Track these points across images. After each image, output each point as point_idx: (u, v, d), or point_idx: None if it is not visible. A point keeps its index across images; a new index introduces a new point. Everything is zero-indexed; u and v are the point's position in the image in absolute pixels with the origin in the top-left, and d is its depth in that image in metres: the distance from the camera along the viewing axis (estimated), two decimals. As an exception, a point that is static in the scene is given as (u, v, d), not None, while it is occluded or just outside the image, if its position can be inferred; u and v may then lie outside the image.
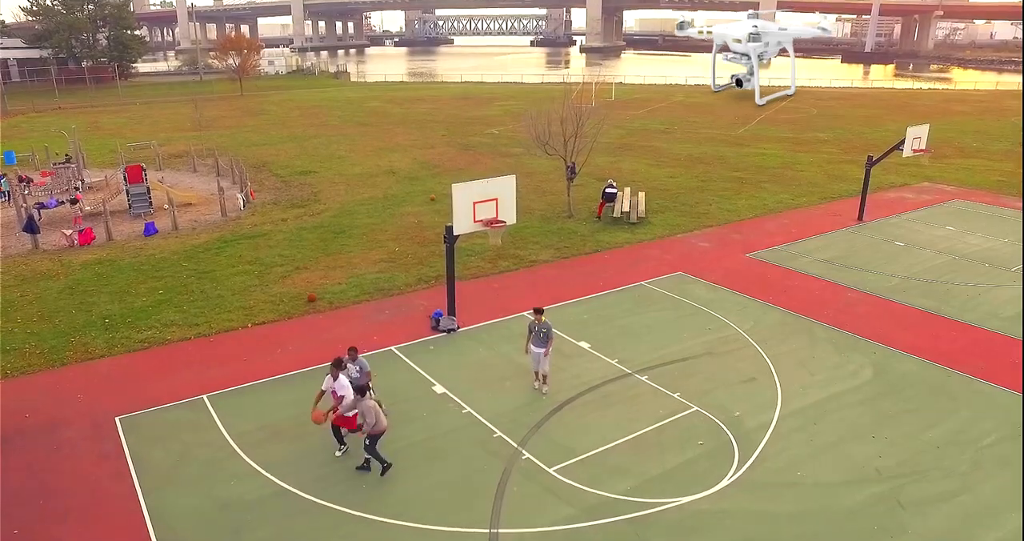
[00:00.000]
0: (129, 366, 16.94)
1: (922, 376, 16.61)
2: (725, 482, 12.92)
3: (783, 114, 60.16)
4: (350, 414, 12.91)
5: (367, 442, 12.82)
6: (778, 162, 40.87)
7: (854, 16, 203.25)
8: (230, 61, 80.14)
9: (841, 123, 55.84)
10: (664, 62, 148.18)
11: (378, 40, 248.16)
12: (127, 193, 29.84)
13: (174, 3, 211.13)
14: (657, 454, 13.73)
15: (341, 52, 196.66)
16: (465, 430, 14.51)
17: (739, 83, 29.22)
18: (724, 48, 28.70)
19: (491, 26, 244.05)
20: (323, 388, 13.37)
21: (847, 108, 64.43)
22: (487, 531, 11.71)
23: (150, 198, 30.14)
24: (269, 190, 34.58)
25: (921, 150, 27.79)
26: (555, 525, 11.86)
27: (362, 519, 11.96)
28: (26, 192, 30.47)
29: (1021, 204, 31.50)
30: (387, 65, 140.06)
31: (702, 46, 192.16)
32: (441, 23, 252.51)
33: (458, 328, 19.01)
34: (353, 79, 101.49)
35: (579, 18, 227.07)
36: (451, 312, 19.26)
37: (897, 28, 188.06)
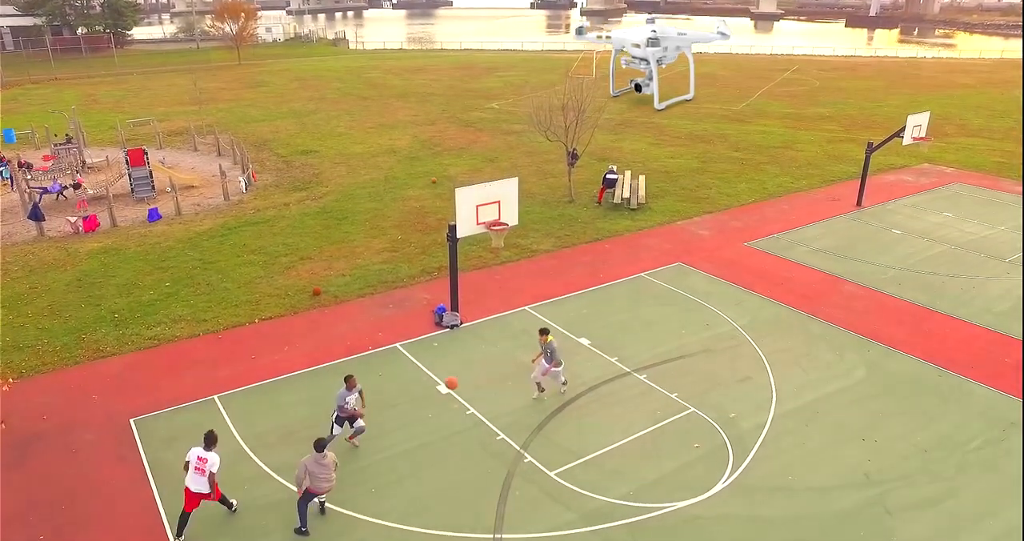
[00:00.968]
0: (140, 365, 17.36)
1: (913, 376, 17.06)
2: (719, 486, 13.44)
3: (785, 87, 59.78)
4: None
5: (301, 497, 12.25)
6: (779, 141, 40.87)
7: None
8: (227, 28, 79.14)
9: (844, 96, 55.57)
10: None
11: (376, 2, 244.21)
12: (129, 177, 29.98)
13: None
14: (654, 457, 14.23)
15: (339, 15, 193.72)
16: (469, 432, 14.99)
17: (638, 88, 29.46)
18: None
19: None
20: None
21: (850, 80, 64.02)
22: (491, 537, 12.24)
23: (152, 181, 30.30)
24: (271, 171, 34.67)
25: (921, 138, 27.89)
26: (556, 530, 12.39)
27: (372, 524, 12.49)
28: (28, 177, 30.57)
29: (1021, 189, 31.68)
30: (386, 30, 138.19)
31: (704, 8, 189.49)
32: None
33: (461, 323, 19.40)
34: (352, 46, 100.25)
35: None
36: (454, 308, 19.63)
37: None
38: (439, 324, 19.41)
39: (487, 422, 15.26)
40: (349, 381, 14.02)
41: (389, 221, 27.62)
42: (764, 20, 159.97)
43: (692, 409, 15.72)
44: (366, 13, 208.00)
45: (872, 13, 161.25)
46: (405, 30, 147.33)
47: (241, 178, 31.68)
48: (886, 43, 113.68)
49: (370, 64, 76.52)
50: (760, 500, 13.10)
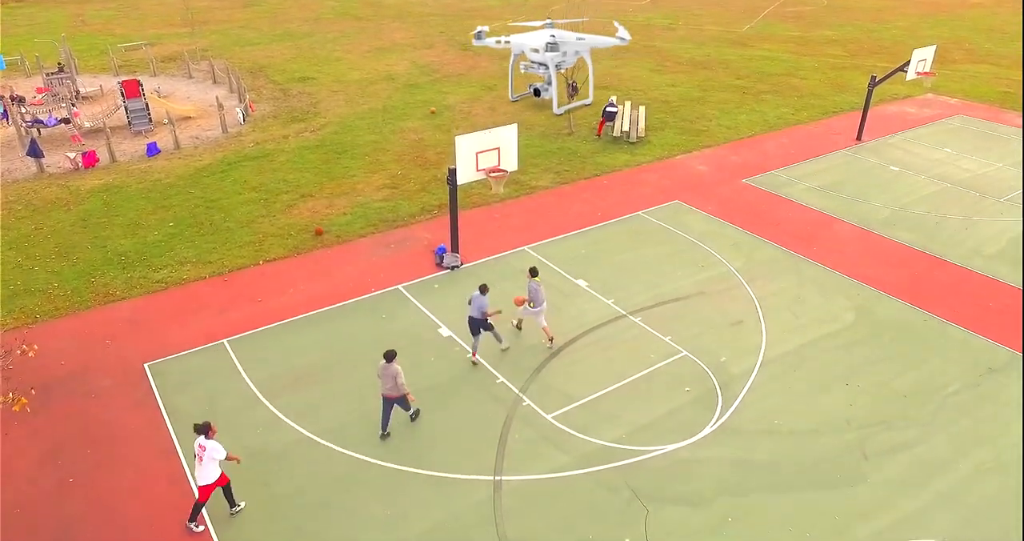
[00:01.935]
0: (149, 309, 17.87)
1: (900, 320, 17.61)
2: (707, 430, 14.18)
3: (791, 7, 58.12)
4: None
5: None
6: (782, 68, 40.17)
7: None
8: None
9: (851, 17, 54.14)
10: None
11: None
12: (125, 109, 29.72)
13: None
14: (647, 401, 14.93)
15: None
16: (470, 375, 15.64)
17: (537, 93, 29.23)
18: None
19: None
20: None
21: (859, -2, 62.17)
22: (492, 479, 13.04)
23: (149, 113, 30.06)
24: (268, 100, 34.29)
25: (926, 73, 27.53)
26: (552, 472, 13.19)
27: (382, 468, 13.26)
28: (23, 111, 30.29)
29: (1021, 123, 31.49)
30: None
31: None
32: None
33: (461, 265, 19.81)
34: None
35: None
36: (454, 249, 19.99)
37: None
38: (440, 265, 19.82)
39: (487, 365, 15.90)
40: (484, 288, 15.55)
41: (388, 155, 27.61)
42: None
43: (684, 353, 16.34)
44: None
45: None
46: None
47: (238, 109, 31.41)
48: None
49: (364, -21, 73.86)
50: (745, 444, 13.86)
